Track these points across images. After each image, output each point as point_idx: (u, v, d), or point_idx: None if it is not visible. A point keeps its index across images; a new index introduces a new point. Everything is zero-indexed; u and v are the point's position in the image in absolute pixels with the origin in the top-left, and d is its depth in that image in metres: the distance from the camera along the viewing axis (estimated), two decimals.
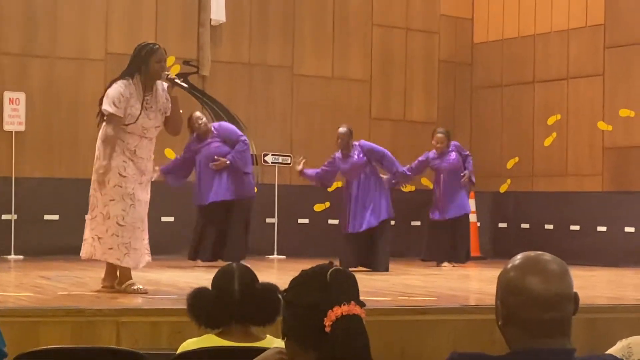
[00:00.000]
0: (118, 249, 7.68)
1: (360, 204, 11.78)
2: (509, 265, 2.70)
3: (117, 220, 7.65)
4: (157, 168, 10.47)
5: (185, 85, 7.96)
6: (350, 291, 2.82)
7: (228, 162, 11.75)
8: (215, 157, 11.78)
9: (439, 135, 13.13)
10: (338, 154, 12.04)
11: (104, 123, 7.77)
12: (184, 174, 12.10)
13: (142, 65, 7.69)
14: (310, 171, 12.25)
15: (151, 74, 7.70)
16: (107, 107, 7.64)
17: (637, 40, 14.10)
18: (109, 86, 7.81)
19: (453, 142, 13.33)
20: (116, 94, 7.64)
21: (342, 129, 11.99)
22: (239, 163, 11.85)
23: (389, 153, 12.06)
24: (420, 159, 13.11)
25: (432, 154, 13.14)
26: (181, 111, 8.05)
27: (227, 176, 11.81)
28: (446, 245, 13.08)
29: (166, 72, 7.82)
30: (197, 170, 11.97)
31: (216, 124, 12.30)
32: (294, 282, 2.90)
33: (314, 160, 14.65)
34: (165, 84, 7.86)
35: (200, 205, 11.94)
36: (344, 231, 11.88)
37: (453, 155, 13.15)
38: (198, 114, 12.12)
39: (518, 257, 2.71)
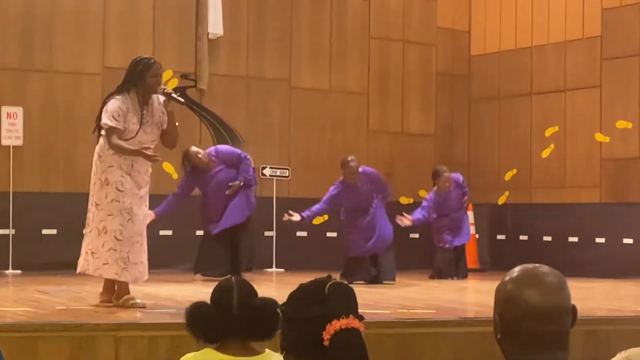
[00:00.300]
0: (116, 263, 7.66)
1: (375, 230, 11.85)
2: (507, 278, 2.70)
3: (115, 235, 7.64)
4: (151, 213, 10.35)
5: (182, 100, 7.97)
6: (349, 304, 2.81)
7: (241, 183, 11.79)
8: (230, 183, 11.77)
9: (448, 174, 13.12)
10: (340, 186, 11.86)
11: (102, 137, 7.77)
12: (178, 208, 12.01)
13: (138, 80, 7.71)
14: (314, 210, 11.99)
15: (147, 88, 7.72)
16: (106, 120, 7.66)
17: (634, 52, 14.13)
18: (105, 101, 7.82)
19: (455, 179, 13.38)
20: (115, 108, 7.66)
21: (355, 162, 11.84)
22: (250, 182, 11.96)
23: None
24: (427, 204, 13.03)
25: (434, 196, 13.05)
26: (177, 123, 8.05)
27: (238, 199, 11.87)
28: (452, 264, 13.18)
29: (163, 87, 7.83)
30: (208, 200, 11.88)
31: (212, 150, 12.19)
32: (293, 296, 2.90)
33: (312, 173, 14.69)
34: (162, 98, 7.87)
35: (213, 235, 11.90)
36: (354, 254, 11.84)
37: (457, 192, 13.25)
38: (194, 149, 11.94)
39: (516, 270, 2.71)
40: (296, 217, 11.82)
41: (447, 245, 13.14)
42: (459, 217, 13.28)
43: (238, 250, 11.91)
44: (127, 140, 7.69)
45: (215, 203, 11.81)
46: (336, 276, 2.95)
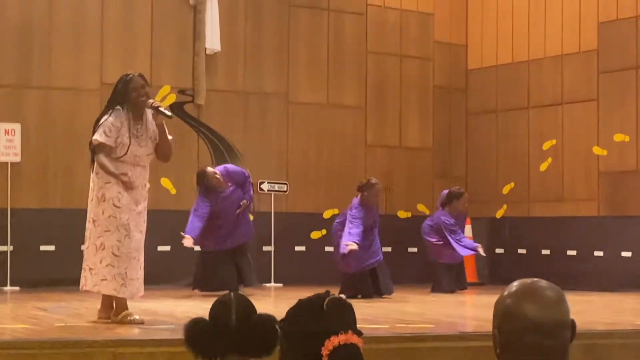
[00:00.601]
0: (114, 279, 7.66)
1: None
2: (505, 293, 2.69)
3: (112, 251, 7.64)
4: (189, 237, 11.16)
5: (169, 114, 7.96)
6: (347, 320, 2.81)
7: (248, 203, 11.92)
8: (240, 203, 11.85)
9: (467, 195, 13.22)
10: (361, 208, 11.75)
11: (95, 154, 7.80)
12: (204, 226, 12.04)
13: (121, 97, 7.79)
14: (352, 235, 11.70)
15: (132, 103, 7.77)
16: (96, 136, 7.69)
17: (631, 65, 14.15)
18: (97, 120, 7.85)
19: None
20: (107, 124, 7.71)
21: (379, 184, 11.96)
22: (253, 202, 12.07)
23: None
24: (440, 224, 13.05)
25: (449, 218, 13.06)
26: (170, 137, 8.04)
27: (244, 218, 11.93)
28: (454, 277, 13.19)
29: (150, 101, 7.85)
30: (220, 219, 11.86)
31: (222, 169, 12.16)
32: (291, 312, 2.90)
33: (310, 188, 14.69)
34: (153, 117, 7.92)
35: (216, 252, 11.91)
36: (353, 270, 11.84)
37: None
38: (211, 169, 11.96)
39: (514, 285, 2.71)
40: (353, 246, 11.45)
41: (454, 262, 13.14)
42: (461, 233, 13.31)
43: (247, 266, 11.92)
44: (120, 157, 7.70)
45: (228, 222, 11.84)
46: (335, 291, 2.95)
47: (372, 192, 11.79)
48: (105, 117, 7.76)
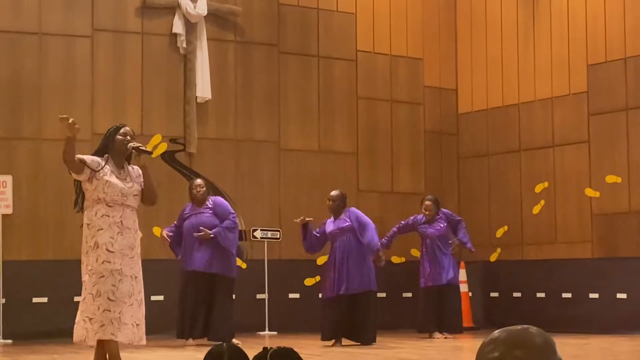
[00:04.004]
0: (111, 324, 7.63)
1: (343, 268, 11.64)
2: (490, 339, 2.62)
3: (108, 296, 7.63)
4: (166, 237, 11.49)
5: (150, 151, 8.17)
6: None
7: (212, 235, 11.71)
8: (201, 227, 11.75)
9: (428, 202, 13.22)
10: (330, 220, 11.90)
11: (87, 208, 7.83)
12: (179, 241, 12.07)
13: (109, 142, 7.92)
14: (310, 230, 11.92)
15: (117, 147, 7.92)
16: (78, 157, 7.79)
17: (621, 107, 14.21)
18: None
19: (443, 210, 13.35)
20: (89, 157, 7.86)
21: (334, 192, 11.94)
22: (222, 240, 11.77)
23: (372, 225, 11.87)
24: (408, 220, 13.24)
25: (421, 217, 13.22)
26: (154, 184, 8.09)
27: (211, 249, 11.77)
28: (436, 314, 13.01)
29: (132, 143, 7.94)
30: (185, 235, 11.93)
31: (213, 197, 12.29)
32: None
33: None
34: (136, 168, 8.00)
35: (184, 272, 11.84)
36: (326, 295, 11.69)
37: (442, 224, 13.17)
38: (199, 181, 12.15)
39: (502, 331, 2.64)
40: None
41: (431, 285, 13.08)
42: (438, 258, 13.24)
43: (214, 314, 11.71)
44: (107, 197, 7.75)
45: (188, 241, 11.82)
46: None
47: (328, 201, 11.88)
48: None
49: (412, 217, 13.35)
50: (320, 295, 12.27)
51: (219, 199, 12.41)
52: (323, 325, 11.57)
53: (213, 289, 11.76)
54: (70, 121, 7.53)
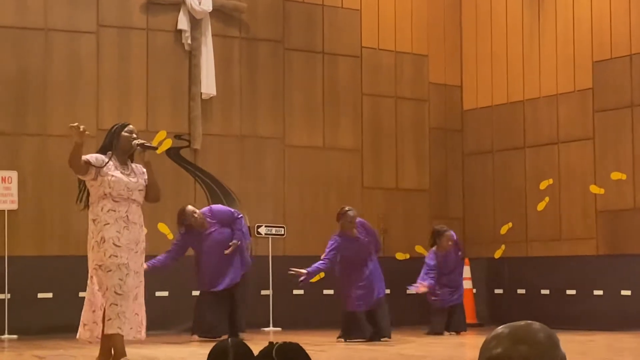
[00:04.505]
0: (118, 318, 7.68)
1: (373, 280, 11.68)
2: (494, 335, 2.64)
3: (115, 290, 7.68)
4: (145, 266, 10.49)
5: (155, 146, 8.24)
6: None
7: (239, 242, 11.80)
8: (230, 244, 11.78)
9: (449, 233, 13.02)
10: (339, 238, 11.57)
11: (93, 203, 7.88)
12: (170, 266, 11.98)
13: (114, 139, 7.96)
14: (317, 266, 11.52)
15: (122, 144, 7.99)
16: (83, 158, 7.82)
17: (626, 104, 14.19)
18: None
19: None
20: (93, 155, 7.91)
21: (352, 211, 11.66)
22: (244, 241, 11.98)
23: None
24: (432, 264, 12.91)
25: (434, 256, 12.94)
26: (158, 183, 8.16)
27: (236, 258, 11.89)
28: (447, 319, 13.09)
29: (136, 141, 7.99)
30: (203, 259, 11.85)
31: (207, 210, 12.16)
32: None
33: (307, 231, 14.66)
34: (140, 166, 8.06)
35: (208, 292, 11.85)
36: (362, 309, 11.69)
37: (454, 249, 13.15)
38: (190, 208, 11.92)
39: (505, 327, 2.65)
40: (302, 272, 11.36)
41: (446, 305, 13.02)
42: (457, 275, 13.21)
43: (236, 310, 11.88)
44: (113, 191, 7.78)
45: (210, 262, 11.78)
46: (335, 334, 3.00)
47: (345, 220, 11.55)
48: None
49: (431, 256, 13.07)
50: (326, 292, 12.27)
51: (214, 207, 12.36)
52: (348, 331, 11.57)
53: (238, 289, 11.93)
54: (81, 129, 7.58)
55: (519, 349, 2.42)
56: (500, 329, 2.47)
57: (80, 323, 7.87)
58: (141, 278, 7.95)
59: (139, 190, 7.97)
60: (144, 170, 8.04)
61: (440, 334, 12.87)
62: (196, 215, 11.80)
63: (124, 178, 7.88)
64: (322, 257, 11.50)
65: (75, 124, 7.65)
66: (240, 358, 3.98)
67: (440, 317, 12.99)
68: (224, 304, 11.81)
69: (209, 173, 14.18)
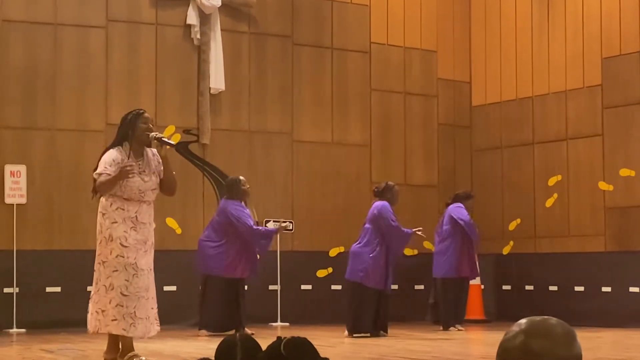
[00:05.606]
0: (124, 319, 7.63)
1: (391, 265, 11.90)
2: (512, 330, 2.66)
3: (121, 291, 7.63)
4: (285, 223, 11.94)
5: (173, 143, 8.04)
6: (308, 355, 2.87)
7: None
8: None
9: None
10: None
11: (96, 187, 7.81)
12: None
13: (129, 129, 7.81)
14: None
15: (138, 136, 7.79)
16: (98, 170, 7.71)
17: (635, 100, 14.17)
18: (102, 155, 7.88)
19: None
20: (109, 159, 7.74)
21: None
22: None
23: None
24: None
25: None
26: (174, 172, 8.07)
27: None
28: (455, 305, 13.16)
29: (154, 133, 7.86)
30: (242, 243, 12.00)
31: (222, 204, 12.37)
32: None
33: (315, 226, 14.67)
34: (155, 151, 7.92)
35: (235, 279, 11.96)
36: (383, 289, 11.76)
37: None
38: (243, 178, 12.29)
39: (523, 322, 2.67)
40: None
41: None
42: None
43: (241, 303, 11.93)
44: (125, 194, 7.71)
45: (248, 247, 11.96)
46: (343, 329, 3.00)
47: (394, 193, 12.08)
48: (108, 152, 7.80)
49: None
50: (334, 288, 12.27)
51: (222, 204, 12.38)
52: (357, 326, 11.61)
53: (241, 285, 12.12)
54: (128, 168, 7.53)
55: (536, 343, 2.46)
56: (518, 323, 2.51)
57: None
58: (151, 275, 7.91)
59: (152, 189, 7.88)
60: (160, 159, 7.91)
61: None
62: (247, 186, 12.16)
63: (137, 182, 7.75)
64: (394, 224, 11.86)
65: (128, 166, 7.59)
66: (249, 353, 4.00)
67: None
68: (230, 298, 11.84)
69: (218, 168, 14.17)
